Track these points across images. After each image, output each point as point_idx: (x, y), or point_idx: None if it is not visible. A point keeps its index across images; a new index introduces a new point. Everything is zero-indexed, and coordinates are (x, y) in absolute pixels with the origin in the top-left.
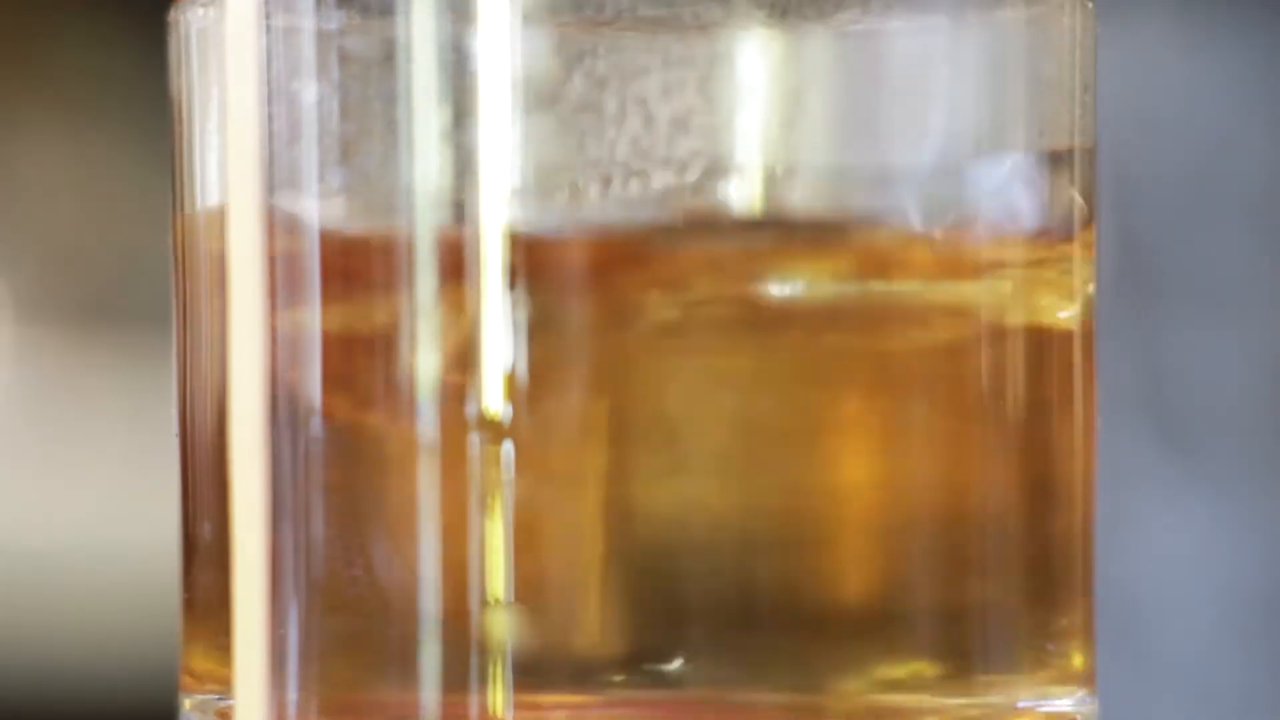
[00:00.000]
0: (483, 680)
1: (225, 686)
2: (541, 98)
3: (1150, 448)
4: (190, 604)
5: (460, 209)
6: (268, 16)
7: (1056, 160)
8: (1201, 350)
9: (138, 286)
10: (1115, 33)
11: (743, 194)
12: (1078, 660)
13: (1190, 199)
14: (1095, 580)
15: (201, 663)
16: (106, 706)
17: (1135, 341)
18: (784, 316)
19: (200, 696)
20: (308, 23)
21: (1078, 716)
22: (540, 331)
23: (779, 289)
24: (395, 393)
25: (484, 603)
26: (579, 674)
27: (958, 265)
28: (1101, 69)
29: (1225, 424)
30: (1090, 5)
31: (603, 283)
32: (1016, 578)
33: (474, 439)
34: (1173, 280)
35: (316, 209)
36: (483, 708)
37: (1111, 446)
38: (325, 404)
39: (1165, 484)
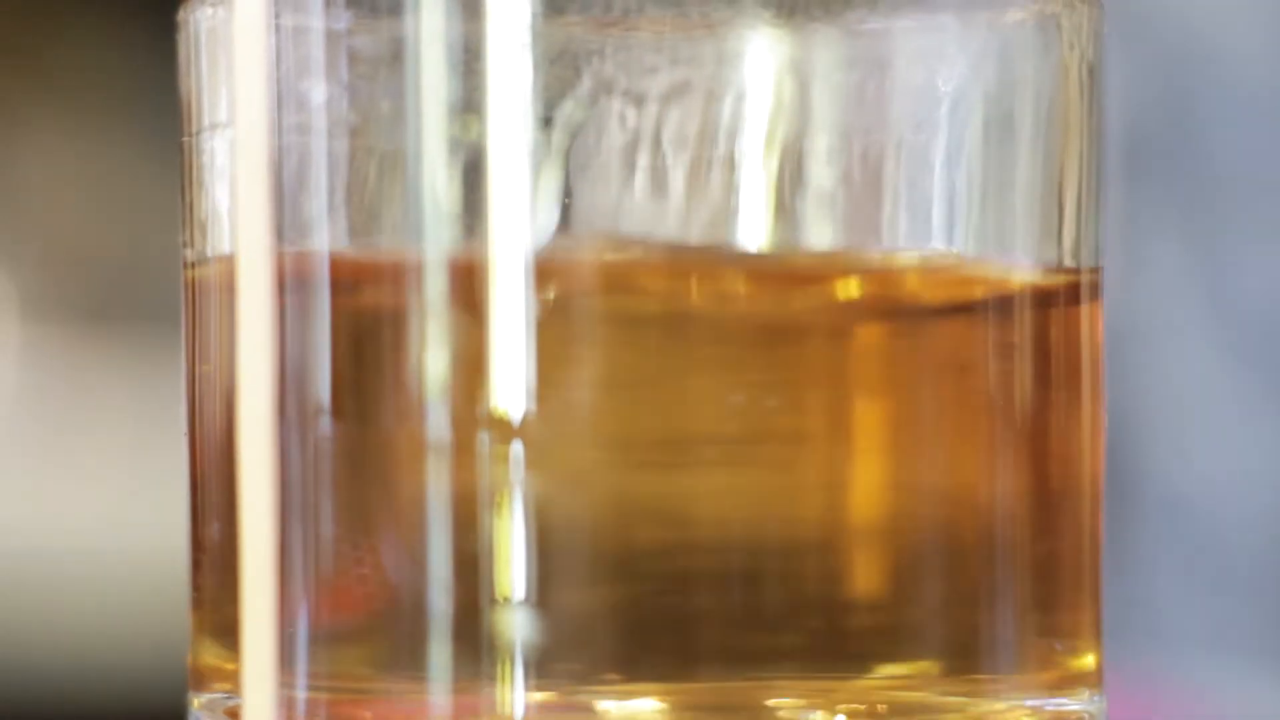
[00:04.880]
0: (491, 678)
1: (234, 685)
2: (550, 100)
3: (1218, 366)
4: (199, 602)
5: (472, 214)
6: (276, 16)
7: (1065, 156)
8: (1269, 268)
9: (144, 285)
10: None
11: (751, 199)
12: (1087, 659)
13: (1255, 118)
14: (1105, 574)
15: (210, 661)
16: (115, 705)
17: (1201, 262)
18: (791, 316)
19: (209, 695)
20: (317, 22)
21: (1086, 716)
22: (550, 333)
23: (789, 289)
24: (404, 392)
25: (492, 601)
26: (586, 672)
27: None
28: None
29: None
30: (1100, 4)
31: (612, 284)
32: (1024, 574)
33: (483, 438)
34: (1238, 199)
35: (326, 214)
36: (491, 705)
37: (1180, 368)
38: (334, 403)
39: (1235, 403)
